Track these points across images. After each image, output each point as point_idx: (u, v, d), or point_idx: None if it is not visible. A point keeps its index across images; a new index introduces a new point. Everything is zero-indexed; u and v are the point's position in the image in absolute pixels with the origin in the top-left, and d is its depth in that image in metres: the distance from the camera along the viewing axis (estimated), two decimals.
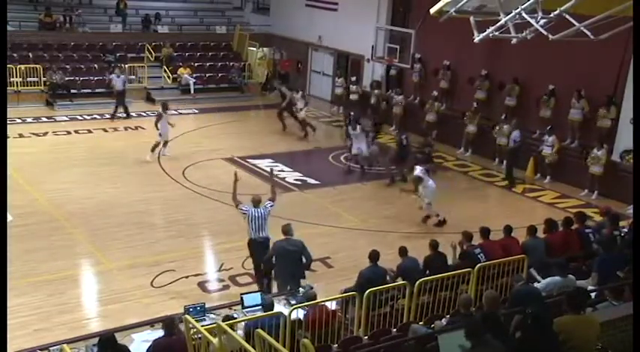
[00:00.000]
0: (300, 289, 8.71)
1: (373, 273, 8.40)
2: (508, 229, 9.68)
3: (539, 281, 8.29)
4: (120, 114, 20.18)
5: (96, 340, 6.89)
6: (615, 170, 14.80)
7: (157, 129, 16.28)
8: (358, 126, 16.30)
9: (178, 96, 22.83)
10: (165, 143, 16.47)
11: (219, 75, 24.28)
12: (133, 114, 20.57)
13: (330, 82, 23.99)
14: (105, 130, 19.01)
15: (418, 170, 13.28)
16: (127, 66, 22.43)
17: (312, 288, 8.38)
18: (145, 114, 20.81)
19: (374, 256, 8.53)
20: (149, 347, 6.91)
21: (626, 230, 10.18)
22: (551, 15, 9.92)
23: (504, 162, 16.69)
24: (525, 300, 7.04)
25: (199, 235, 12.43)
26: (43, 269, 10.58)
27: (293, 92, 19.75)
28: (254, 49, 25.25)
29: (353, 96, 21.61)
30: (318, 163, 17.11)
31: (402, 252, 8.92)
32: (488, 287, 8.13)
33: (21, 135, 17.90)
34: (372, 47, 19.98)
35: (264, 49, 25.49)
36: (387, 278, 8.66)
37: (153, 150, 16.28)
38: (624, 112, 14.96)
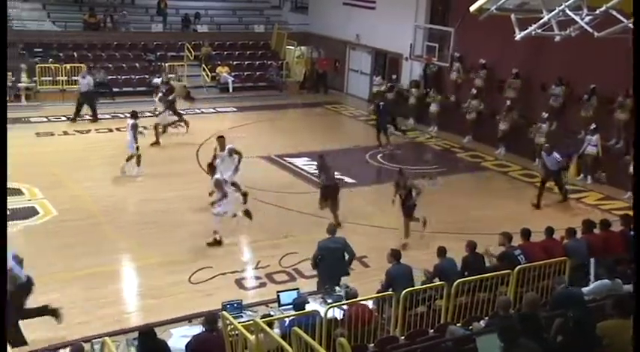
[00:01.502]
0: (337, 288, 8.70)
1: (398, 271, 8.46)
2: (550, 230, 9.50)
3: (589, 280, 8.11)
4: (88, 117, 19.48)
5: (136, 334, 7.00)
6: None
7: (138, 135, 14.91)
8: (227, 149, 12.81)
9: (217, 95, 23.10)
10: (132, 157, 14.90)
11: (258, 73, 24.47)
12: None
13: (367, 80, 23.91)
14: (145, 128, 19.19)
15: (228, 174, 12.06)
16: (167, 65, 22.80)
17: (351, 288, 8.37)
18: (184, 112, 21.02)
19: (396, 254, 8.66)
20: (189, 341, 6.98)
21: None
22: (597, 12, 9.66)
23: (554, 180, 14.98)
24: (566, 303, 6.90)
25: (236, 233, 12.50)
26: (82, 264, 10.75)
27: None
28: (292, 47, 25.34)
29: (389, 95, 21.49)
30: (355, 162, 17.03)
31: (441, 252, 8.87)
32: (528, 290, 7.98)
33: (65, 133, 18.33)
34: (411, 45, 19.84)
35: (302, 47, 25.52)
36: (425, 278, 8.61)
37: (138, 163, 14.96)
38: None
